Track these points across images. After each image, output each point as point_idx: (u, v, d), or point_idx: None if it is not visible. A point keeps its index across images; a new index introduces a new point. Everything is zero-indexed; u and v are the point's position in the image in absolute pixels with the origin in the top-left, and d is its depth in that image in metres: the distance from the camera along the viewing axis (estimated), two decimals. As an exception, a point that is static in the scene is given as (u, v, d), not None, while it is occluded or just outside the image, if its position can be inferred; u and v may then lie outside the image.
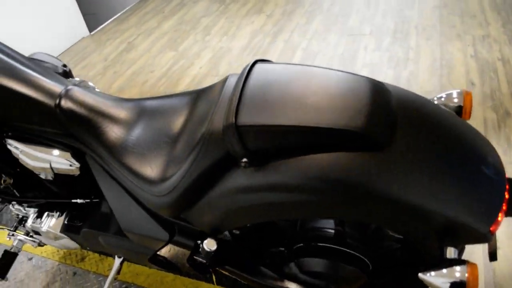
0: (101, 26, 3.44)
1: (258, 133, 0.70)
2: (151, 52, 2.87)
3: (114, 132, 0.93)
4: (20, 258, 1.64)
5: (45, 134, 1.01)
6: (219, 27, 3.02)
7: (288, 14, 3.00)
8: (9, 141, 1.06)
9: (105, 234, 1.11)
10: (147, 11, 3.58)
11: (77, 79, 1.58)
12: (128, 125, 0.94)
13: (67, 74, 1.24)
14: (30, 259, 1.63)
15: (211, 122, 0.76)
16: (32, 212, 1.26)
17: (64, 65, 1.25)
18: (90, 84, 1.18)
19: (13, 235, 1.33)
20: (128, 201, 0.99)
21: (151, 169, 0.88)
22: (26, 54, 1.27)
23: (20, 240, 1.33)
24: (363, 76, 0.74)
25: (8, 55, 1.01)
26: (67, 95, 0.95)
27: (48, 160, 1.03)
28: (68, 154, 1.03)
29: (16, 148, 1.05)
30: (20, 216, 1.31)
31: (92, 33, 3.37)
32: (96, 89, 1.18)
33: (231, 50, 2.67)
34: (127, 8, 3.70)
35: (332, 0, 3.06)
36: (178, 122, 0.91)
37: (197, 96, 0.92)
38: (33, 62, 1.04)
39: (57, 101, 0.95)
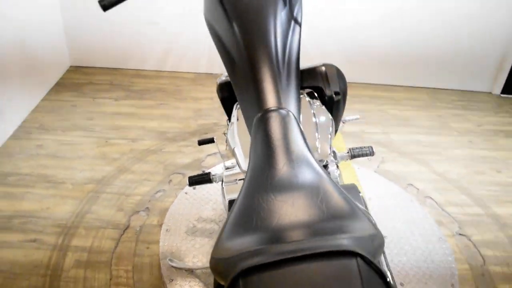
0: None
1: None
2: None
3: (257, 179, 0.83)
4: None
5: None
6: None
7: None
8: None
9: None
10: None
11: (351, 117, 1.48)
12: (273, 184, 0.81)
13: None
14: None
15: None
16: (235, 167, 1.33)
17: (336, 93, 1.17)
18: (322, 117, 1.06)
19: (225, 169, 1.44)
20: None
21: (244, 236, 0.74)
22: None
23: (219, 176, 1.40)
24: None
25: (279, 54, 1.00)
26: (262, 117, 0.89)
27: (234, 145, 1.04)
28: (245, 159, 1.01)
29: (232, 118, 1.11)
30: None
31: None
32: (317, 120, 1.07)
33: None
34: None
35: None
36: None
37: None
38: (292, 67, 1.00)
39: (259, 114, 0.90)
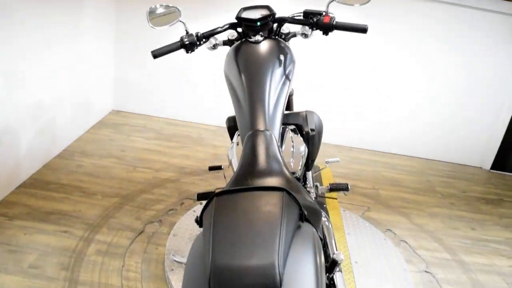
0: None
1: None
2: None
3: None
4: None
5: None
6: None
7: None
8: None
9: None
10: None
11: (333, 159, 1.84)
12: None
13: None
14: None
15: None
16: None
17: (312, 129, 1.54)
18: (298, 144, 1.44)
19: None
20: None
21: None
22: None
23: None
24: None
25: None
26: (251, 134, 1.27)
27: (231, 157, 1.44)
28: None
29: None
30: None
31: None
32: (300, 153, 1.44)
33: None
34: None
35: None
36: None
37: None
38: (278, 107, 1.40)
39: (249, 132, 1.28)
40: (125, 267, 1.83)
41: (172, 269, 1.76)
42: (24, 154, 2.32)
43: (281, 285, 0.70)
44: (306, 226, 0.89)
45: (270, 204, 0.84)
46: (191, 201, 2.32)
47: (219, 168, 1.99)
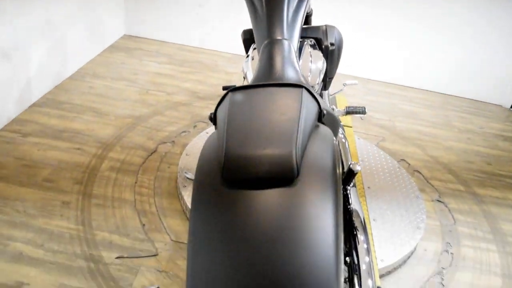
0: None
1: None
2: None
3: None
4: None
5: None
6: None
7: None
8: None
9: None
10: None
11: (351, 81, 1.76)
12: None
13: (326, 49, 1.46)
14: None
15: None
16: None
17: (332, 44, 1.47)
18: (316, 57, 1.37)
19: None
20: None
21: None
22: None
23: None
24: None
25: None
26: (268, 43, 1.20)
27: (246, 70, 1.39)
28: None
29: None
30: None
31: None
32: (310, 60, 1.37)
33: None
34: None
35: None
36: None
37: None
38: (297, 18, 1.32)
39: (266, 41, 1.21)
40: (138, 183, 1.84)
41: (185, 186, 1.76)
42: (35, 73, 2.29)
43: (297, 176, 0.67)
44: (324, 128, 0.85)
45: (288, 98, 0.80)
46: (204, 124, 2.30)
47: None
